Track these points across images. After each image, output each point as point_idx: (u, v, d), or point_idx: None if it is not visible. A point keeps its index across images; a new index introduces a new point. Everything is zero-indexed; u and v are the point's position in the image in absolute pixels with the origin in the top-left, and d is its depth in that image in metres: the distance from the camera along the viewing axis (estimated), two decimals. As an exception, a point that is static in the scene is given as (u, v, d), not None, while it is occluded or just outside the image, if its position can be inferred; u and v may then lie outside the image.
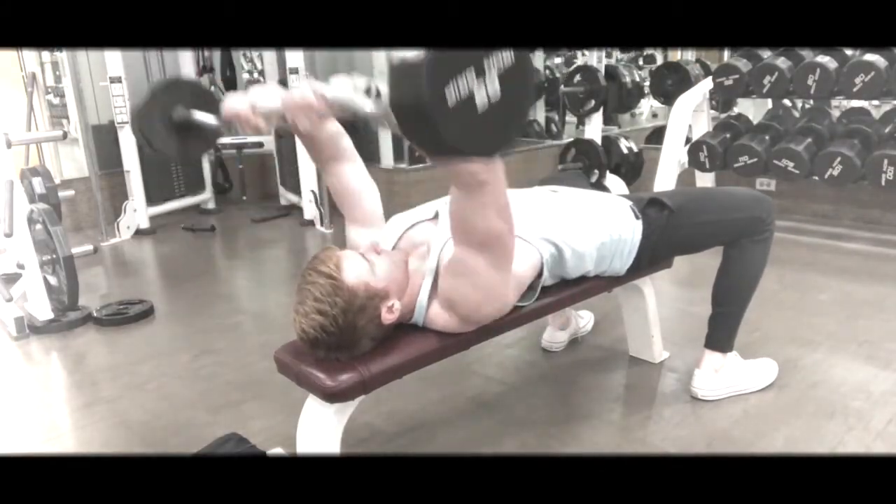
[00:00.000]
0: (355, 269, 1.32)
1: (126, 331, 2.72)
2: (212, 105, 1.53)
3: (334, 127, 1.53)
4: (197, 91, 1.56)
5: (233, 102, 1.33)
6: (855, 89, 3.18)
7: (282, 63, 4.52)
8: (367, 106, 1.11)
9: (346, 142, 1.57)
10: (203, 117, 1.49)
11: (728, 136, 3.66)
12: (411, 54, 0.96)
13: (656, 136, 5.04)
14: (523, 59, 1.07)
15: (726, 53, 4.11)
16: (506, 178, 1.21)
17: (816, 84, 3.24)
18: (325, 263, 1.31)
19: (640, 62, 7.11)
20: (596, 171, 4.44)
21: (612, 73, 4.56)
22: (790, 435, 1.76)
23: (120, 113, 4.17)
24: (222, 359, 2.41)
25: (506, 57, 1.03)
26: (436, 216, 1.56)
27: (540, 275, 1.55)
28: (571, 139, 4.79)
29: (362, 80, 1.18)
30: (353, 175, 1.60)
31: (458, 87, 0.98)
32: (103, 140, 4.30)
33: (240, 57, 5.52)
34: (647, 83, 4.78)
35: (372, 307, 1.33)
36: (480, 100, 1.02)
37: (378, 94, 1.15)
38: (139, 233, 4.27)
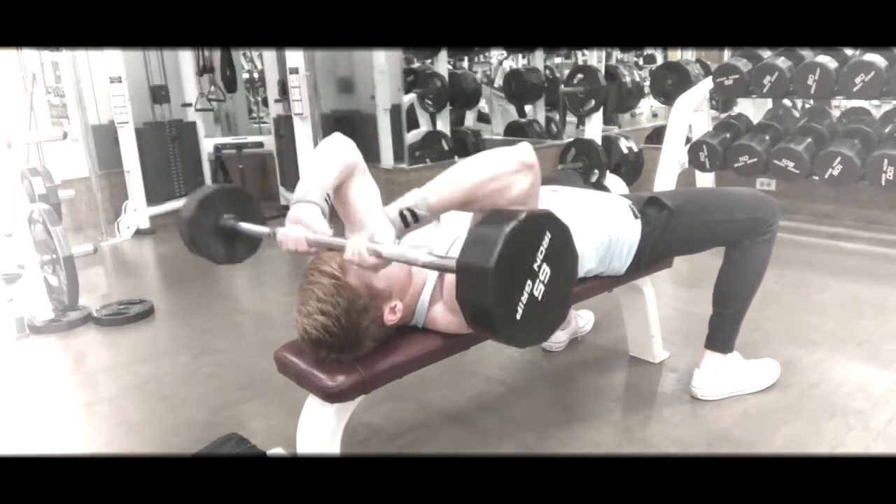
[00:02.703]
0: (358, 270, 1.32)
1: (126, 331, 2.72)
2: (254, 209, 1.60)
3: (352, 163, 1.52)
4: (240, 198, 1.60)
5: (289, 237, 1.32)
6: (855, 89, 3.18)
7: (282, 63, 4.52)
8: (422, 260, 1.17)
9: (355, 157, 1.53)
10: (251, 228, 1.53)
11: (728, 135, 3.66)
12: (474, 264, 1.04)
13: (656, 135, 5.04)
14: (560, 232, 1.14)
15: (726, 53, 4.11)
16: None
17: (816, 84, 3.24)
18: (327, 264, 1.31)
19: (640, 62, 7.11)
20: (596, 171, 4.44)
21: (612, 73, 4.56)
22: (790, 435, 1.76)
23: (120, 113, 4.18)
24: (222, 359, 2.41)
25: (545, 239, 1.10)
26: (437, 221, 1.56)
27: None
28: (571, 139, 4.79)
29: (394, 210, 1.22)
30: (357, 189, 1.55)
31: (522, 301, 1.07)
32: (103, 140, 4.30)
33: (240, 57, 5.52)
34: (647, 83, 4.78)
35: (374, 308, 1.33)
36: (539, 293, 1.10)
37: (415, 218, 1.21)
38: (139, 233, 4.27)
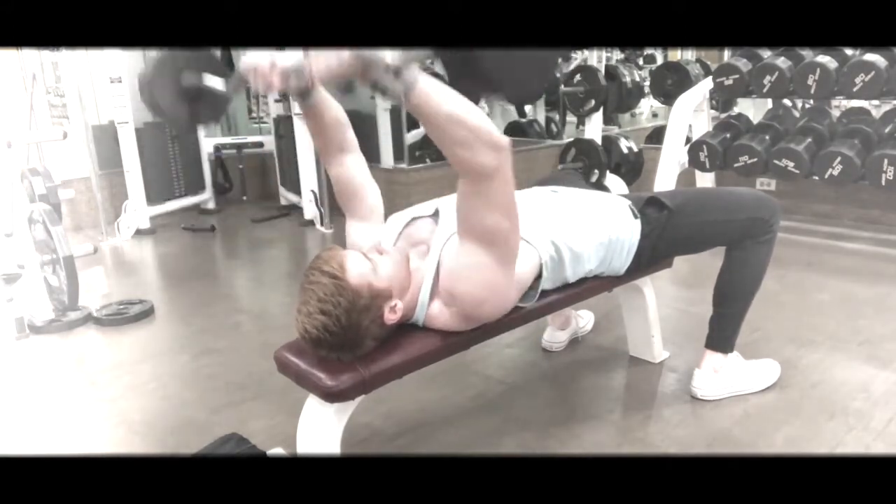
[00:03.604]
0: (359, 269, 1.32)
1: (126, 331, 2.72)
2: (221, 71, 1.49)
3: (341, 115, 1.55)
4: (206, 57, 1.53)
5: (252, 57, 1.26)
6: (855, 89, 3.18)
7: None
8: (388, 57, 1.10)
9: (351, 135, 1.59)
10: (213, 81, 1.45)
11: (728, 135, 3.66)
12: None
13: (656, 135, 5.04)
14: None
15: (726, 53, 4.11)
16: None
17: (816, 84, 3.24)
18: (328, 263, 1.31)
19: (641, 62, 7.11)
20: (596, 171, 4.44)
21: (612, 73, 4.56)
22: (790, 435, 1.76)
23: (120, 113, 4.18)
24: (222, 359, 2.41)
25: None
26: (435, 213, 1.56)
27: (540, 276, 1.55)
28: (571, 139, 4.79)
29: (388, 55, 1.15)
30: (358, 168, 1.61)
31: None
32: (103, 140, 4.30)
33: (240, 57, 5.52)
34: (647, 83, 4.77)
35: (375, 307, 1.33)
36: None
37: (396, 74, 1.13)
38: (139, 233, 4.27)
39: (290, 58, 1.23)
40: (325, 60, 1.18)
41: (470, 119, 1.17)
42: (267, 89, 1.26)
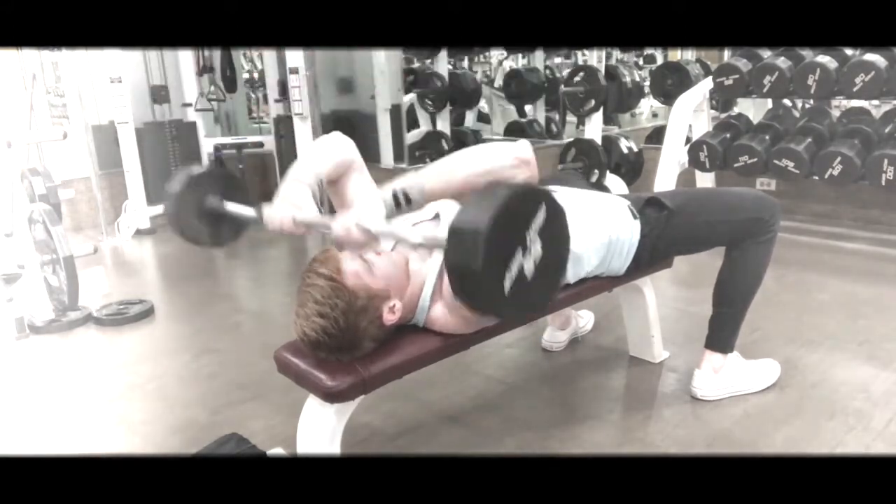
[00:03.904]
0: (355, 270, 1.32)
1: (126, 331, 2.72)
2: (243, 194, 1.56)
3: (346, 159, 1.51)
4: (229, 180, 1.58)
5: (275, 214, 1.31)
6: (855, 89, 3.17)
7: (282, 63, 4.52)
8: (413, 239, 1.15)
9: (354, 157, 1.53)
10: (237, 209, 1.50)
11: (728, 135, 3.66)
12: (466, 224, 1.03)
13: (656, 135, 5.03)
14: (555, 211, 1.13)
15: (726, 53, 4.11)
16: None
17: (816, 84, 3.24)
18: (324, 265, 1.31)
19: (640, 62, 7.11)
20: (596, 171, 4.44)
21: (612, 73, 4.56)
22: (790, 435, 1.76)
23: (120, 113, 4.18)
24: (222, 359, 2.41)
25: (539, 215, 1.09)
26: (436, 217, 1.56)
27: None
28: (571, 139, 4.79)
29: (387, 191, 1.22)
30: (356, 184, 1.55)
31: (511, 273, 1.06)
32: (103, 140, 4.30)
33: (240, 57, 5.52)
34: (647, 83, 4.77)
35: (373, 308, 1.33)
36: (528, 269, 1.08)
37: (407, 201, 1.21)
38: (139, 233, 4.27)
39: (306, 208, 1.29)
40: (348, 234, 1.20)
41: (484, 165, 1.22)
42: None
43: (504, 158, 1.23)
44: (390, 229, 1.18)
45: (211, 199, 1.51)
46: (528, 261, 1.08)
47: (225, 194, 1.53)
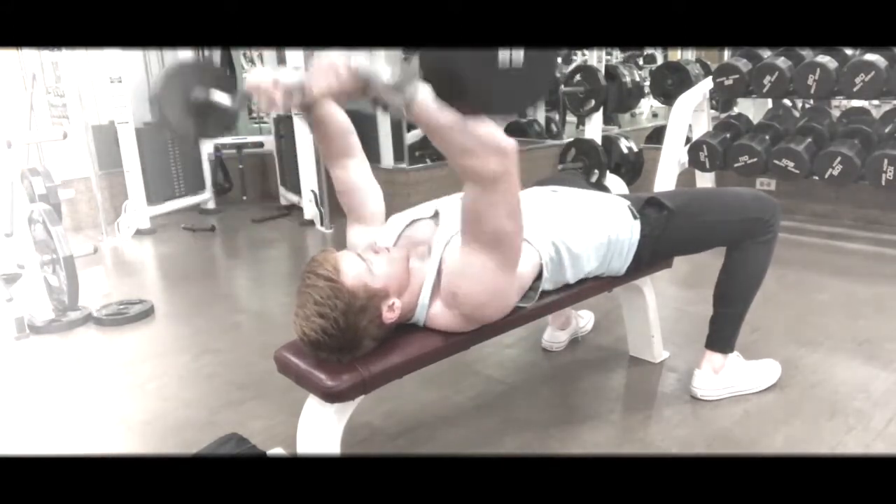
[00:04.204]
0: (353, 270, 1.32)
1: (126, 331, 2.72)
2: (229, 87, 1.52)
3: (345, 121, 1.56)
4: (214, 72, 1.56)
5: (256, 76, 1.30)
6: (855, 89, 3.18)
7: (282, 63, 4.52)
8: (387, 74, 1.12)
9: (355, 139, 1.60)
10: (221, 97, 1.49)
11: (728, 135, 3.66)
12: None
13: (656, 135, 5.04)
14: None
15: (726, 53, 4.11)
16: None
17: (816, 84, 3.24)
18: (322, 266, 1.31)
19: (640, 62, 7.12)
20: (596, 171, 4.44)
21: (612, 73, 4.56)
22: (790, 435, 1.76)
23: (120, 113, 4.18)
24: (222, 359, 2.41)
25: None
26: (435, 215, 1.56)
27: (540, 276, 1.55)
28: (571, 139, 4.79)
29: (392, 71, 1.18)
30: (361, 172, 1.62)
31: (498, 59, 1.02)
32: (103, 140, 4.30)
33: (240, 57, 5.51)
34: (647, 83, 4.77)
35: (372, 307, 1.33)
36: (503, 59, 1.04)
37: (399, 90, 1.16)
38: (139, 233, 4.28)
39: (291, 75, 1.26)
40: (326, 79, 1.19)
41: (473, 127, 1.17)
42: (270, 107, 1.29)
43: (491, 140, 1.18)
44: (376, 71, 1.14)
45: (197, 91, 1.49)
46: (504, 53, 1.04)
47: (211, 84, 1.51)
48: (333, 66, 1.19)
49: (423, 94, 1.14)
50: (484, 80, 1.05)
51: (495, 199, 1.24)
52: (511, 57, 1.05)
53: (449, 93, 1.07)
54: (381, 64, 1.17)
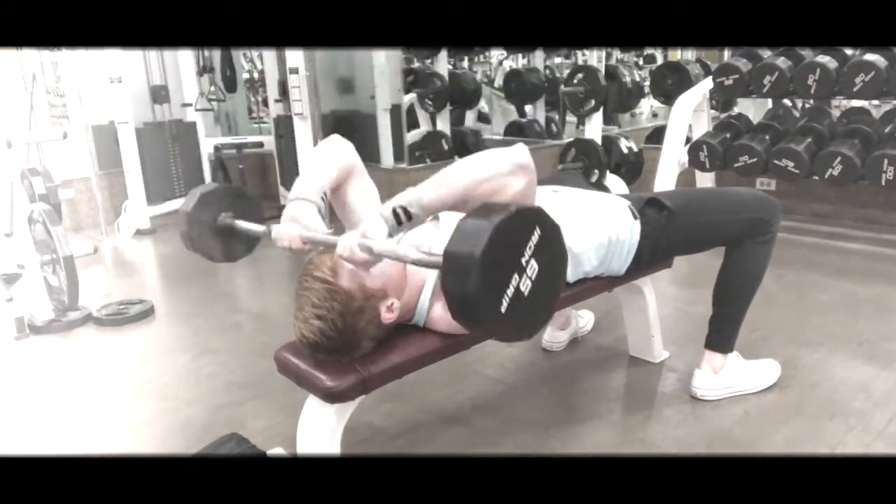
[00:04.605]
0: (350, 271, 1.32)
1: (126, 331, 2.72)
2: (255, 210, 1.60)
3: (348, 163, 1.51)
4: (240, 197, 1.62)
5: (283, 233, 1.32)
6: (855, 89, 3.17)
7: (282, 63, 4.52)
8: (412, 255, 1.16)
9: (352, 159, 1.52)
10: (248, 226, 1.54)
11: (728, 135, 3.66)
12: (461, 253, 1.03)
13: (656, 135, 5.03)
14: (550, 230, 1.12)
15: (726, 53, 4.11)
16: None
17: (816, 84, 3.24)
18: (319, 268, 1.31)
19: (640, 62, 7.12)
20: (596, 171, 4.44)
21: (612, 73, 4.56)
22: (790, 435, 1.76)
23: (120, 113, 4.18)
24: (222, 359, 2.41)
25: (534, 235, 1.09)
26: (436, 216, 1.56)
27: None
28: (571, 139, 4.79)
29: (387, 208, 1.23)
30: (356, 190, 1.54)
31: (508, 295, 1.06)
32: (103, 140, 4.30)
33: (240, 57, 5.52)
34: (647, 83, 4.77)
35: (370, 308, 1.32)
36: (525, 289, 1.08)
37: (408, 217, 1.22)
38: (139, 233, 4.27)
39: (314, 227, 1.31)
40: (351, 254, 1.21)
41: (481, 174, 1.21)
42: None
43: (501, 165, 1.23)
44: (393, 248, 1.19)
45: (223, 216, 1.55)
46: (524, 281, 1.08)
47: (235, 210, 1.57)
48: (355, 259, 1.21)
49: (424, 195, 1.23)
50: (513, 322, 1.09)
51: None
52: (530, 279, 1.09)
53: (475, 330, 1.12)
54: (393, 234, 1.22)
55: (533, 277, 1.09)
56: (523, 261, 1.07)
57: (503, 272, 1.05)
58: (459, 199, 1.21)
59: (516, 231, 1.07)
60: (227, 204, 1.57)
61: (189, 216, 1.51)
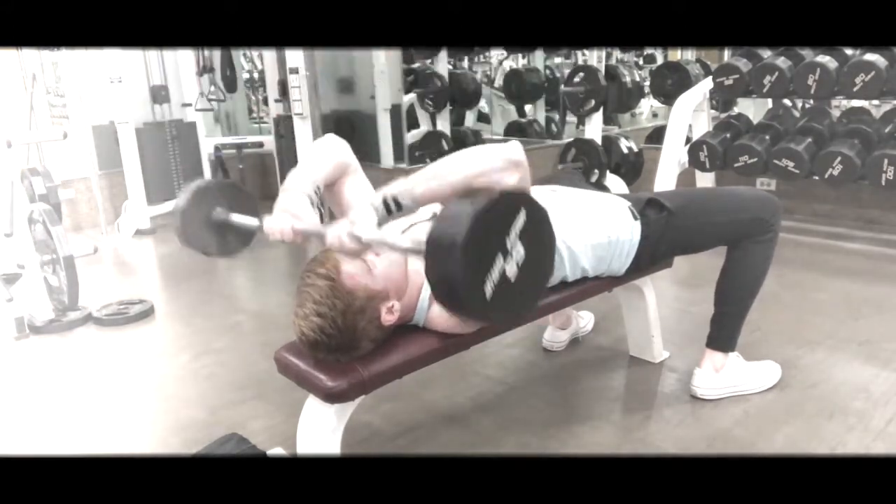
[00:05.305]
0: (353, 271, 1.32)
1: (126, 331, 2.72)
2: (250, 205, 1.58)
3: (342, 160, 1.52)
4: (236, 192, 1.60)
5: (275, 224, 1.32)
6: (855, 89, 3.17)
7: (282, 63, 4.52)
8: (402, 244, 1.16)
9: (347, 157, 1.53)
10: (242, 220, 1.53)
11: (728, 135, 3.66)
12: (442, 233, 1.02)
13: (656, 135, 5.03)
14: (536, 213, 1.11)
15: (726, 53, 4.11)
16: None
17: (816, 84, 3.24)
18: (323, 265, 1.31)
19: (640, 62, 7.11)
20: (596, 171, 4.44)
21: (612, 73, 4.56)
22: (790, 435, 1.76)
23: (120, 113, 4.18)
24: (222, 359, 2.41)
25: (519, 219, 1.07)
26: (433, 217, 1.55)
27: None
28: (571, 139, 4.79)
29: (378, 197, 1.22)
30: (352, 187, 1.55)
31: (492, 278, 1.04)
32: (103, 140, 4.30)
33: (240, 57, 5.51)
34: (647, 83, 4.77)
35: (371, 308, 1.33)
36: (511, 273, 1.07)
37: (398, 207, 1.22)
38: (139, 233, 4.27)
39: (306, 219, 1.29)
40: (340, 243, 1.20)
41: (474, 169, 1.21)
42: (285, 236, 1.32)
43: (493, 161, 1.23)
44: (381, 237, 1.19)
45: (217, 211, 1.53)
46: (510, 265, 1.07)
47: (231, 205, 1.55)
48: (346, 247, 1.21)
49: (417, 185, 1.23)
50: (499, 305, 1.07)
51: None
52: (516, 263, 1.08)
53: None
54: (381, 222, 1.22)
55: (519, 262, 1.08)
56: (508, 243, 1.06)
57: (487, 255, 1.04)
58: (451, 193, 1.21)
59: (500, 214, 1.06)
60: (222, 198, 1.55)
61: (184, 210, 1.50)
